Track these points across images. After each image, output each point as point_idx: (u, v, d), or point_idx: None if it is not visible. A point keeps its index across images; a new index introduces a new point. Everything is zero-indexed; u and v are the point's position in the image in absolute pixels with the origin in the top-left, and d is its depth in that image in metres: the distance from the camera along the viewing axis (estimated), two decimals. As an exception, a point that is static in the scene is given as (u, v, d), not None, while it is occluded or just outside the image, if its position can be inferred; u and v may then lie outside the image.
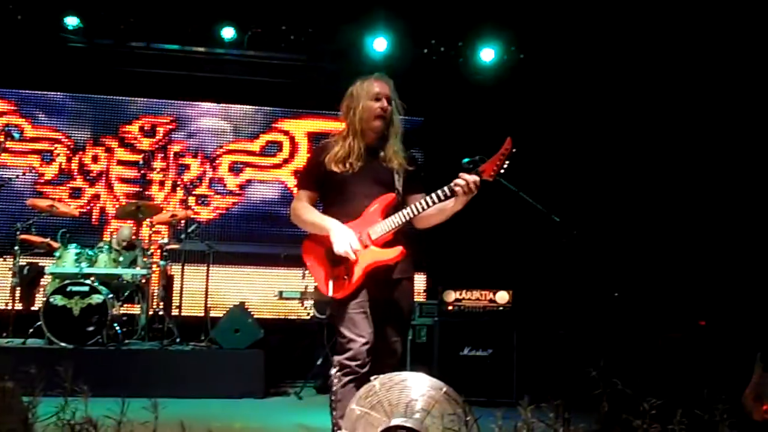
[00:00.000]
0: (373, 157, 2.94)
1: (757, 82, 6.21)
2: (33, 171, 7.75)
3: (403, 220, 2.82)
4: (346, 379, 2.78)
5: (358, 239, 2.81)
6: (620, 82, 7.61)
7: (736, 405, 4.29)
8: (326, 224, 2.88)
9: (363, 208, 2.89)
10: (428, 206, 2.79)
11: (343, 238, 2.80)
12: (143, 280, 6.41)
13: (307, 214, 2.98)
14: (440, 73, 8.05)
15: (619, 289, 7.70)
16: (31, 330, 5.87)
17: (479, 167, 2.73)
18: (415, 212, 2.81)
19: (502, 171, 2.71)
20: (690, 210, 6.93)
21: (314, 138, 8.38)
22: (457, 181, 2.71)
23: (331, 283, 2.86)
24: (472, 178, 2.69)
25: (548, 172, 7.70)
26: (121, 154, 8.14)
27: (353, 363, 2.78)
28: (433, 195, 2.78)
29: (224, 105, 8.41)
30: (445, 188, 2.75)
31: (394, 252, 2.81)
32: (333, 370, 2.84)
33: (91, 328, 5.71)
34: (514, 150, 2.70)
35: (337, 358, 2.85)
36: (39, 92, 8.07)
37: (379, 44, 7.60)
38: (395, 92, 3.01)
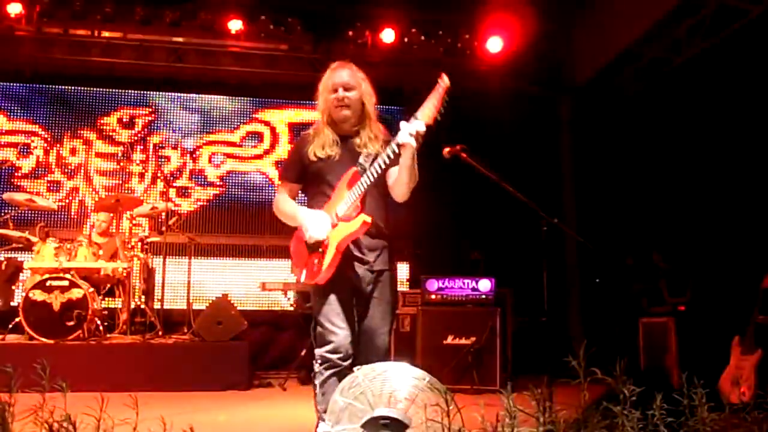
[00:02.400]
0: (349, 145, 2.94)
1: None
2: (9, 165, 7.64)
3: (363, 189, 2.78)
4: (328, 372, 2.78)
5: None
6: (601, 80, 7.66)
7: (714, 389, 4.37)
8: (298, 215, 2.90)
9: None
10: (381, 168, 2.74)
11: (311, 224, 2.81)
12: (124, 274, 6.35)
13: (285, 206, 2.99)
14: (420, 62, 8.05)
15: (600, 275, 7.78)
16: (10, 326, 5.80)
17: (417, 113, 2.65)
18: (371, 178, 2.77)
19: (442, 110, 2.63)
20: (671, 195, 7.00)
21: (295, 128, 8.34)
22: (399, 135, 2.66)
23: (305, 271, 2.86)
24: (412, 127, 2.62)
25: (530, 159, 7.75)
26: (100, 146, 8.05)
27: (335, 356, 2.77)
28: (383, 155, 2.75)
29: (204, 95, 8.33)
30: (392, 144, 2.71)
31: (357, 223, 2.78)
32: (315, 364, 2.84)
33: (71, 323, 5.66)
34: (449, 86, 2.61)
35: (318, 351, 2.84)
36: (14, 84, 7.95)
37: (359, 33, 7.55)
38: (360, 76, 2.97)
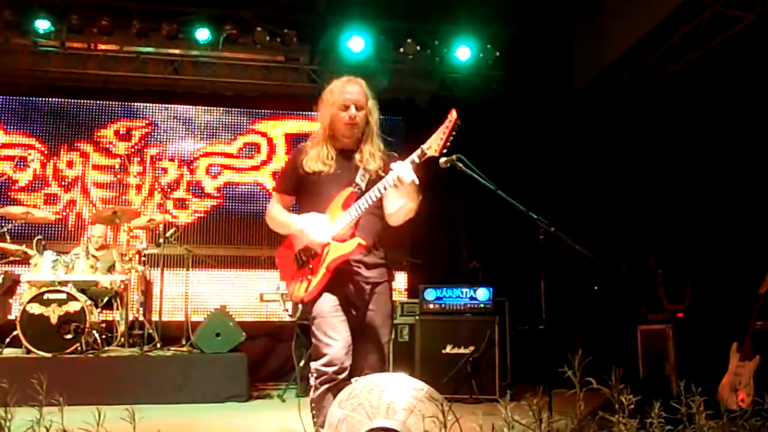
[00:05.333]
0: (348, 160, 2.93)
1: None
2: (6, 178, 7.64)
3: (359, 213, 2.79)
4: (323, 387, 2.74)
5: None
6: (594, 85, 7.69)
7: (712, 396, 4.36)
8: (294, 221, 2.88)
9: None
10: (373, 200, 2.77)
11: (312, 228, 2.80)
12: (122, 286, 6.35)
13: (278, 215, 2.98)
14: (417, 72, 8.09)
15: (598, 282, 7.78)
16: (7, 339, 5.78)
17: (423, 145, 2.69)
18: (368, 203, 2.78)
19: (448, 144, 2.66)
20: (668, 201, 7.01)
21: (292, 139, 8.34)
22: (392, 174, 2.69)
23: (294, 285, 2.85)
24: (403, 168, 2.66)
25: (527, 166, 7.77)
26: (97, 158, 8.05)
27: (330, 369, 2.73)
28: (376, 189, 2.76)
29: (200, 107, 8.35)
30: (386, 179, 2.73)
31: (352, 245, 2.78)
32: (311, 378, 2.80)
33: (69, 336, 5.64)
34: (459, 122, 2.64)
35: (313, 365, 2.81)
36: (11, 97, 7.96)
37: (355, 44, 7.57)
38: (369, 92, 2.96)
